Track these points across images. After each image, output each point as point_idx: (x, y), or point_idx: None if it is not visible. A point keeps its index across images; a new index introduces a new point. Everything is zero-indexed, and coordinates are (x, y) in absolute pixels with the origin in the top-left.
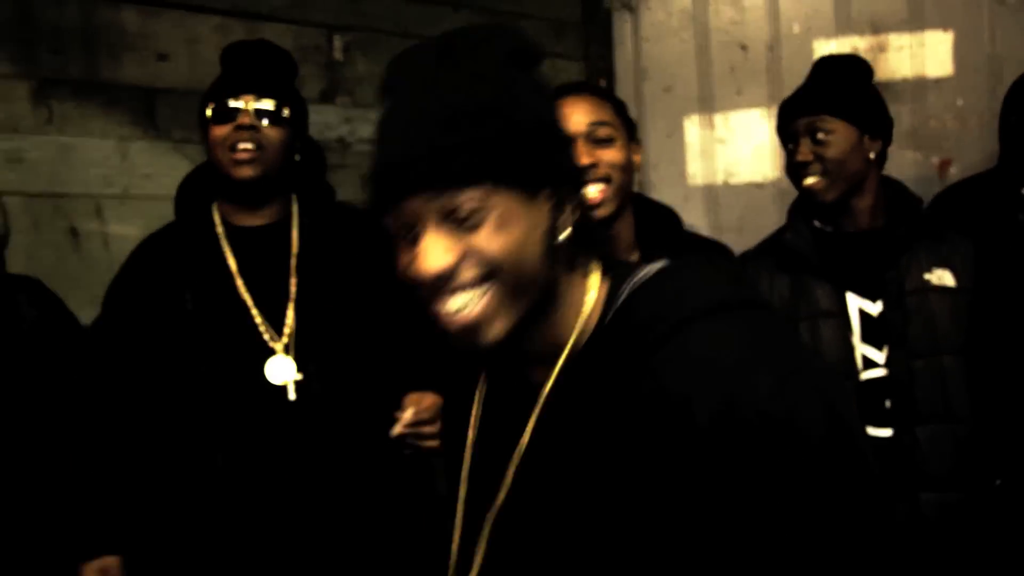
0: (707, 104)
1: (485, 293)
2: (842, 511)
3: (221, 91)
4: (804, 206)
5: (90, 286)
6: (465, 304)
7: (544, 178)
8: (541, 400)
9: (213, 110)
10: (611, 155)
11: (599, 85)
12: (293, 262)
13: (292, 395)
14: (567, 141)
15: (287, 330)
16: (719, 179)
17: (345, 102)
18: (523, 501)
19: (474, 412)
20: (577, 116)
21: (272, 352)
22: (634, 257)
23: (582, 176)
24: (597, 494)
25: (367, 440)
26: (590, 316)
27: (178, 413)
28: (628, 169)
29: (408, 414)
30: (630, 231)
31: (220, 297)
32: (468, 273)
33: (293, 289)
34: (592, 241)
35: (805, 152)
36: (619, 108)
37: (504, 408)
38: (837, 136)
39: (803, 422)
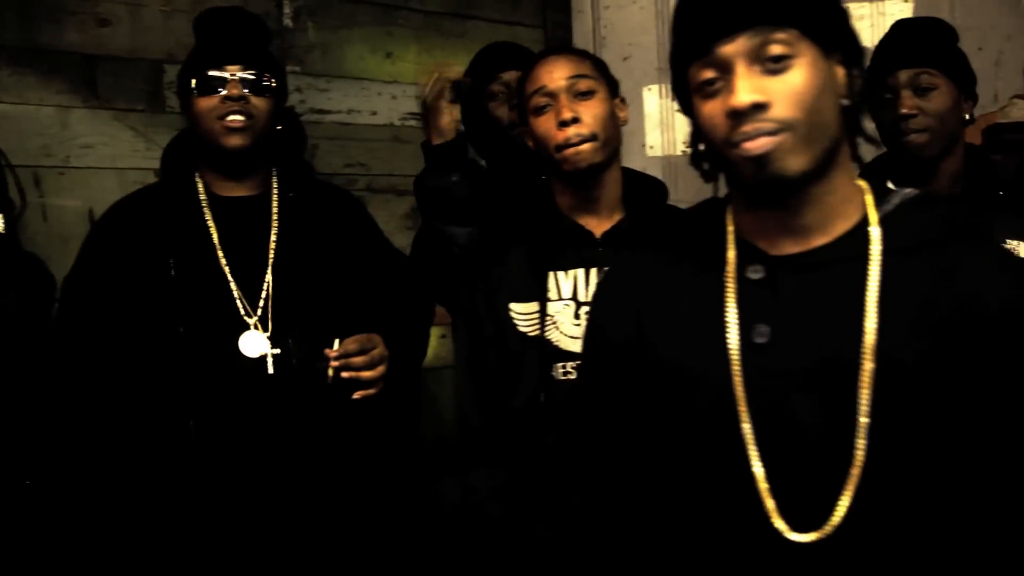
0: (667, 74)
1: (785, 132)
2: None
3: (203, 62)
4: (884, 166)
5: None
6: (768, 139)
7: (838, 40)
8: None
9: (197, 82)
10: (592, 108)
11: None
12: (273, 236)
13: (271, 369)
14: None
15: (262, 303)
16: (678, 150)
17: (295, 71)
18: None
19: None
20: (558, 72)
21: (246, 326)
22: (617, 218)
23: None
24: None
25: (348, 414)
26: (863, 206)
27: (154, 376)
28: (610, 123)
29: (335, 346)
30: (617, 188)
31: (201, 266)
32: (775, 111)
33: (271, 263)
34: (861, 130)
35: (910, 104)
36: (599, 65)
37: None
38: (941, 92)
39: None
